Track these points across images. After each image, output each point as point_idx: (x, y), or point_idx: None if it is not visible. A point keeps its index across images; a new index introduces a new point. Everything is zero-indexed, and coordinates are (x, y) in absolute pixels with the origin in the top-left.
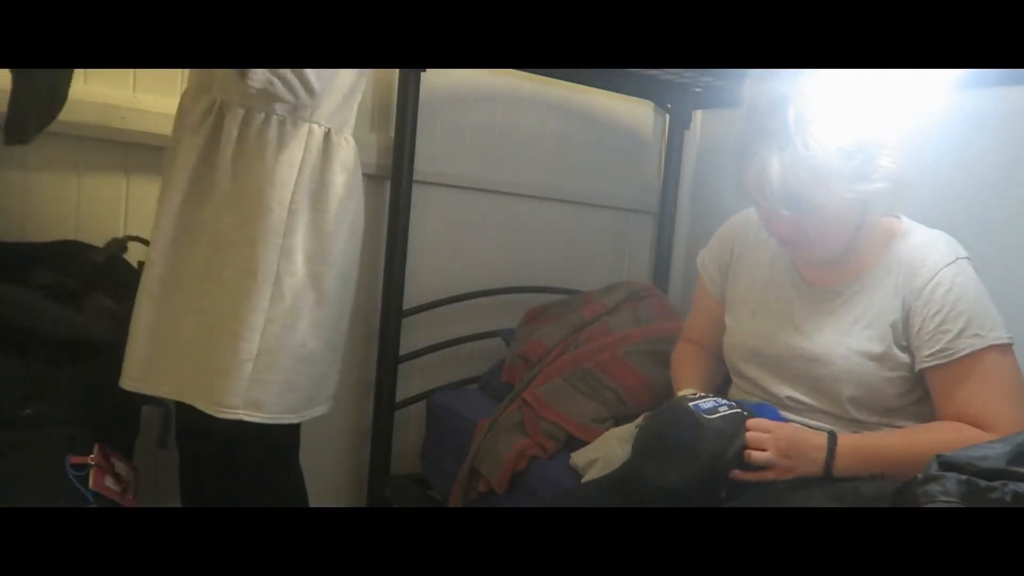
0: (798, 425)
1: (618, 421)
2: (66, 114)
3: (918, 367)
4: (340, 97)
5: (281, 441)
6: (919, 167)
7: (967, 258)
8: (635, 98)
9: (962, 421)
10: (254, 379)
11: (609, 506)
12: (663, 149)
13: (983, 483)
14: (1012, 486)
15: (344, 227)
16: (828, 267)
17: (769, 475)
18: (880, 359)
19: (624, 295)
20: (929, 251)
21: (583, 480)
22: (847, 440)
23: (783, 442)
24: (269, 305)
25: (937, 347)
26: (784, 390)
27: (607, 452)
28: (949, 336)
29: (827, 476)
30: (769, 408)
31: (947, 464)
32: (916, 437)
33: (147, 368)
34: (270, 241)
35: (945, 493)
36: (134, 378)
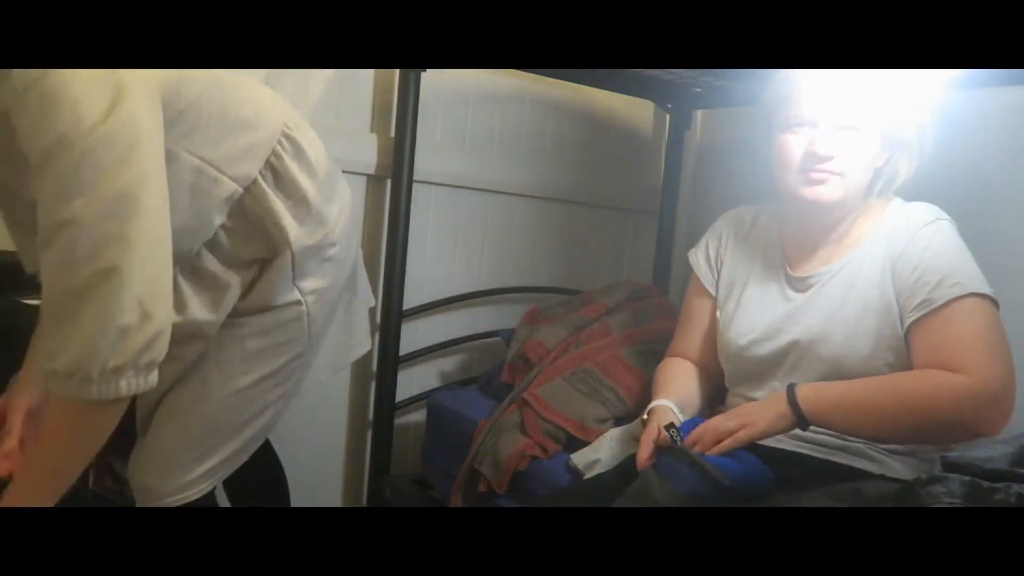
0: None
1: (618, 421)
2: None
3: (904, 327)
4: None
5: None
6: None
7: (948, 220)
8: (635, 98)
9: (933, 366)
10: None
11: (608, 505)
12: (663, 149)
13: (987, 484)
14: (1016, 487)
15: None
16: (819, 249)
17: (741, 435)
18: (878, 329)
19: (624, 295)
20: (909, 215)
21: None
22: (809, 387)
23: (740, 410)
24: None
25: (918, 300)
26: (778, 383)
27: (607, 452)
28: (928, 288)
29: (803, 426)
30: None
31: (951, 465)
32: (884, 381)
33: None
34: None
35: (949, 494)
36: None
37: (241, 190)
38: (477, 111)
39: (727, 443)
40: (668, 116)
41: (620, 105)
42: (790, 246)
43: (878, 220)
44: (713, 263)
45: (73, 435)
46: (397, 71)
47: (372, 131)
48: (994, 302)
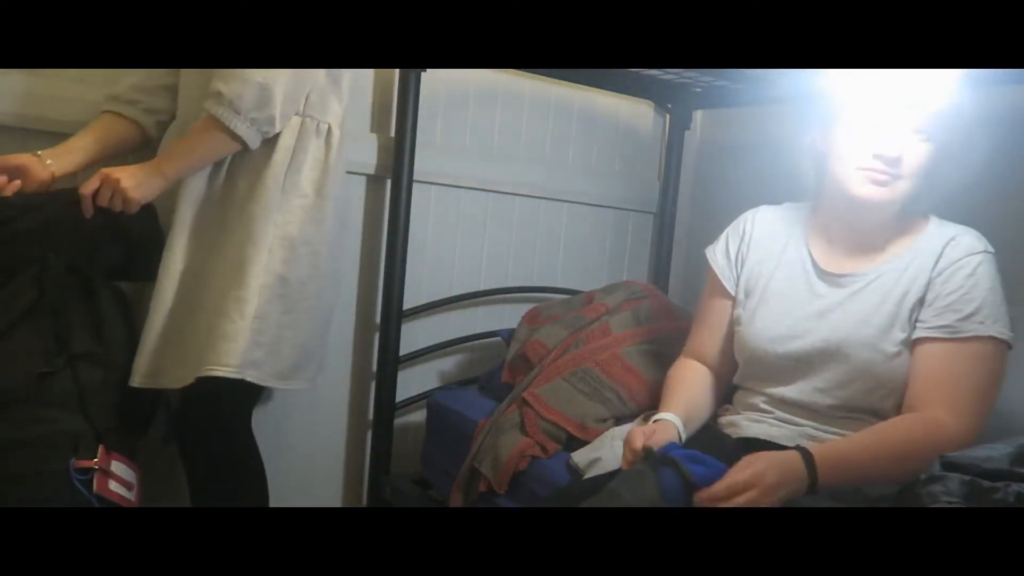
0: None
1: (619, 421)
2: (65, 114)
3: (915, 335)
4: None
5: (251, 405)
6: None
7: (993, 254)
8: (635, 98)
9: (929, 400)
10: (252, 341)
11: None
12: (663, 149)
13: (986, 484)
14: (1015, 487)
15: (334, 211)
16: (852, 253)
17: (764, 502)
18: (904, 343)
19: (624, 295)
20: (961, 239)
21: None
22: (822, 453)
23: (760, 466)
24: (263, 272)
25: (943, 322)
26: (797, 390)
27: (608, 451)
28: (958, 316)
29: (812, 491)
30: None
31: (950, 465)
32: (884, 437)
33: (156, 365)
34: (267, 216)
35: (948, 494)
36: (144, 375)
37: None
38: (477, 111)
39: (740, 501)
40: (668, 116)
41: (620, 105)
42: (819, 244)
43: (922, 235)
44: (734, 260)
45: (201, 142)
46: (397, 71)
47: (372, 131)
48: (1009, 346)
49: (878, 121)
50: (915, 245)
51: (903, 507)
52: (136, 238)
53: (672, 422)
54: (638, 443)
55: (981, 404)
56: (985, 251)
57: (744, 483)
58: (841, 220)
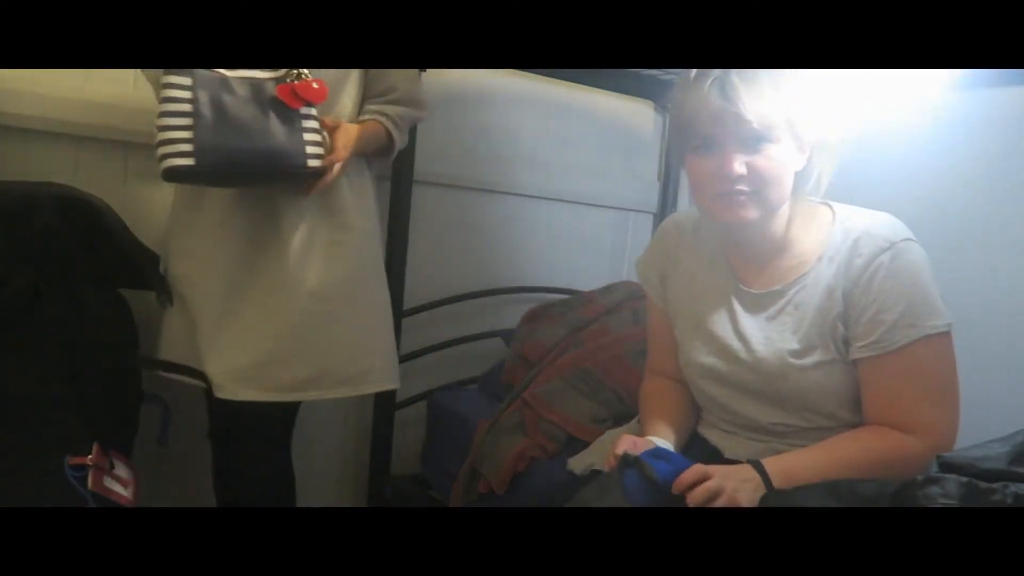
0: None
1: (618, 421)
2: (66, 114)
3: (851, 357)
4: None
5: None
6: (911, 167)
7: (907, 239)
8: (635, 98)
9: (887, 420)
10: None
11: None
12: (663, 149)
13: (983, 485)
14: (1013, 487)
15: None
16: (768, 264)
17: (720, 502)
18: (831, 364)
19: (624, 295)
20: (865, 237)
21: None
22: (774, 465)
23: (719, 474)
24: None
25: (872, 338)
26: (753, 410)
27: (606, 455)
28: (883, 328)
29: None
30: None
31: (947, 465)
32: (839, 450)
33: (242, 375)
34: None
35: (945, 495)
36: (226, 389)
37: None
38: (477, 111)
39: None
40: (668, 116)
41: (620, 105)
42: (736, 259)
43: (829, 232)
44: (660, 276)
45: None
46: None
47: None
48: (948, 331)
49: (710, 140)
50: (825, 252)
51: (899, 507)
52: (127, 246)
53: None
54: (620, 448)
55: (938, 410)
56: (893, 243)
57: (713, 490)
58: (736, 237)
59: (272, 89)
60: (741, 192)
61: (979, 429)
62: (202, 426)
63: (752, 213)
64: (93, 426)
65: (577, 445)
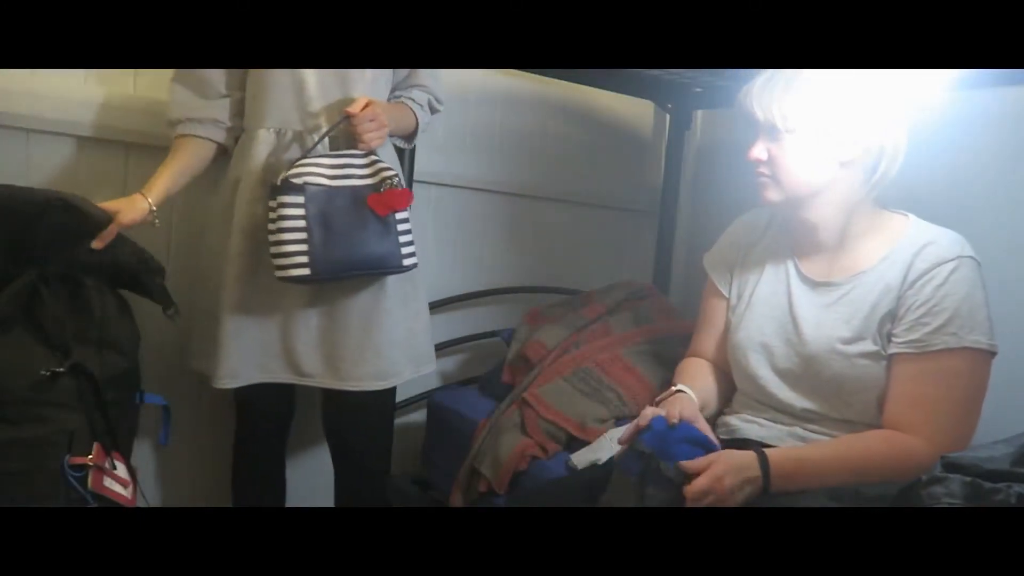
0: (723, 454)
1: (619, 421)
2: (66, 114)
3: (889, 351)
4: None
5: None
6: (910, 167)
7: (971, 258)
8: (635, 98)
9: (904, 420)
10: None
11: (594, 498)
12: (663, 149)
13: (987, 485)
14: (1017, 488)
15: None
16: (830, 259)
17: (708, 500)
18: (875, 356)
19: (624, 295)
20: (931, 247)
21: None
22: (777, 456)
23: (718, 469)
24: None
25: (912, 336)
26: (788, 395)
27: (607, 452)
28: (927, 329)
29: (766, 492)
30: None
31: (951, 465)
32: (845, 449)
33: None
34: None
35: (949, 495)
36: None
37: None
38: (477, 111)
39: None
40: (668, 116)
41: (620, 105)
42: (800, 252)
43: (897, 241)
44: (730, 267)
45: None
46: None
47: None
48: (990, 352)
49: (751, 123)
50: (890, 254)
51: (903, 507)
52: (126, 251)
53: (686, 392)
54: (643, 420)
55: (956, 422)
56: (959, 257)
57: (703, 490)
58: (794, 226)
59: (367, 193)
60: (763, 175)
61: (983, 430)
62: (202, 426)
63: (773, 195)
64: (93, 426)
65: (577, 445)
